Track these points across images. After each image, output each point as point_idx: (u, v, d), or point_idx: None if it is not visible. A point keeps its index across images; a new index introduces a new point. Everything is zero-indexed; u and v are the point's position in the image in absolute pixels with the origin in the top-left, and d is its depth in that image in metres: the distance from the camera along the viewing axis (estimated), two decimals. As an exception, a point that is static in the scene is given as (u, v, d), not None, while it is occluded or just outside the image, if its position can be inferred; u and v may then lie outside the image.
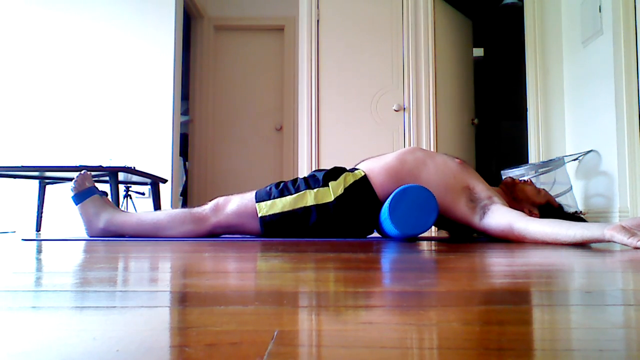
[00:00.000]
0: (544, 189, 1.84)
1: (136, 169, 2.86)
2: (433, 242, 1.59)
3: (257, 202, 1.72)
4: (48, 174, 2.92)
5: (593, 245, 1.31)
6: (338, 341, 0.35)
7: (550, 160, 3.40)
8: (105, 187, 2.98)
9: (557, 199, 3.16)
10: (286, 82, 4.93)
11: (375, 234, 2.00)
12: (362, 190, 1.71)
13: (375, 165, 1.76)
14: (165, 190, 3.94)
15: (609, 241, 1.20)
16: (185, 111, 5.25)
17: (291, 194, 1.71)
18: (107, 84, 4.11)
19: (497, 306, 0.48)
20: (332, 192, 1.69)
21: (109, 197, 2.68)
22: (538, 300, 0.52)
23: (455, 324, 0.40)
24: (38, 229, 3.16)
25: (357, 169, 1.77)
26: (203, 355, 0.31)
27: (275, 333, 0.36)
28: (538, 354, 0.32)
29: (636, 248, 1.12)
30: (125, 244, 1.42)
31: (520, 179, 2.04)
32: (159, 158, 4.04)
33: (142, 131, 4.07)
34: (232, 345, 0.33)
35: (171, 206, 3.99)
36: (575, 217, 1.75)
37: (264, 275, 0.72)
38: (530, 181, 1.85)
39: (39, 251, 1.20)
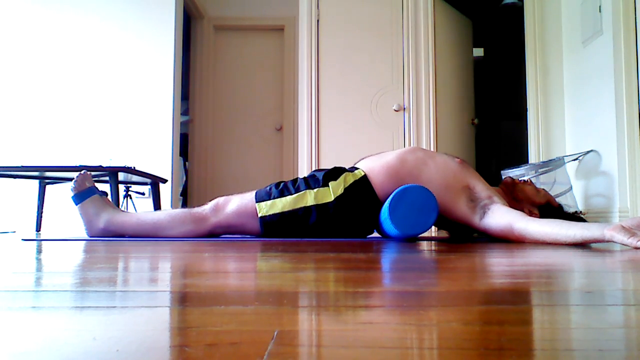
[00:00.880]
0: (543, 189, 1.84)
1: (136, 169, 2.86)
2: (433, 242, 1.59)
3: (257, 202, 1.72)
4: (48, 174, 2.92)
5: (593, 245, 1.31)
6: (338, 341, 0.35)
7: (550, 160, 3.40)
8: (105, 187, 2.98)
9: (557, 199, 3.16)
10: (286, 82, 4.93)
11: (375, 234, 2.00)
12: (362, 190, 1.71)
13: (375, 164, 1.76)
14: (165, 190, 3.93)
15: (609, 241, 1.20)
16: (185, 111, 5.25)
17: (291, 194, 1.71)
18: (107, 84, 4.11)
19: (497, 306, 0.48)
20: (332, 192, 1.69)
21: (109, 197, 2.68)
22: (538, 300, 0.52)
23: (455, 324, 0.40)
24: (38, 229, 3.16)
25: (357, 168, 1.77)
26: (203, 355, 0.31)
27: (275, 333, 0.36)
28: (538, 354, 0.32)
29: (636, 248, 1.12)
30: (125, 244, 1.42)
31: (520, 179, 2.04)
32: (159, 158, 4.04)
33: (142, 131, 4.07)
34: (232, 345, 0.33)
35: (171, 206, 3.99)
36: (575, 217, 1.75)
37: (264, 275, 0.72)
38: (530, 181, 1.85)
39: (39, 251, 1.20)
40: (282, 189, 1.73)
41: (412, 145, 3.84)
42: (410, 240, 1.65)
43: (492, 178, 1.89)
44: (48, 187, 3.23)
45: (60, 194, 3.55)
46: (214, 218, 1.73)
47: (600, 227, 1.22)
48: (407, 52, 3.90)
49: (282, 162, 4.91)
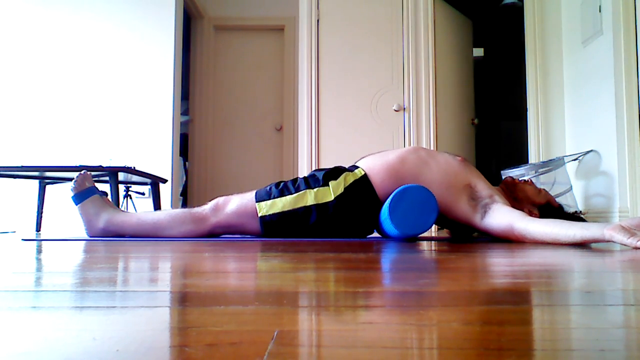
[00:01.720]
0: (544, 189, 1.84)
1: (136, 169, 2.86)
2: (433, 242, 1.58)
3: (257, 201, 1.72)
4: (48, 174, 2.92)
5: (593, 245, 1.31)
6: (338, 341, 0.35)
7: (550, 160, 3.40)
8: (105, 187, 2.98)
9: (557, 199, 3.16)
10: (286, 82, 4.93)
11: (375, 234, 2.00)
12: (362, 190, 1.71)
13: (375, 163, 1.75)
14: (165, 190, 3.93)
15: (608, 241, 1.20)
16: (185, 111, 5.25)
17: (291, 194, 1.71)
18: (107, 84, 4.11)
19: (497, 306, 0.48)
20: (332, 191, 1.69)
21: (110, 197, 2.68)
22: (538, 300, 0.52)
23: (455, 324, 0.40)
24: (38, 229, 3.16)
25: (357, 167, 1.77)
26: (203, 355, 0.31)
27: (275, 333, 0.36)
28: (538, 354, 0.32)
29: (636, 248, 1.12)
30: (125, 244, 1.42)
31: (520, 178, 2.04)
32: (159, 158, 4.04)
33: (142, 131, 4.07)
34: (232, 345, 0.33)
35: (171, 206, 3.99)
36: (575, 217, 1.75)
37: (264, 275, 0.72)
38: (531, 181, 1.85)
39: (39, 251, 1.20)
40: (282, 189, 1.73)
41: (412, 145, 3.84)
42: (410, 240, 1.65)
43: (492, 178, 1.89)
44: (48, 187, 3.23)
45: (60, 194, 3.55)
46: (214, 218, 1.73)
47: (600, 227, 1.22)
48: (407, 52, 3.90)
49: (282, 162, 4.91)
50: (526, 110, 3.87)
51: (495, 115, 6.23)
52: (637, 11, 2.95)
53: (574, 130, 3.57)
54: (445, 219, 1.74)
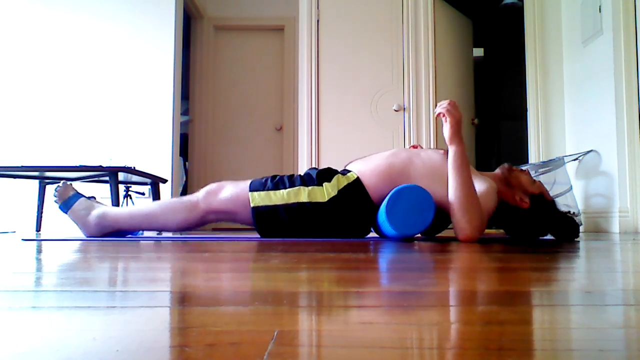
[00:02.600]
0: (539, 181, 1.85)
1: (136, 169, 2.86)
2: (432, 242, 1.59)
3: (250, 191, 1.72)
4: (48, 174, 2.92)
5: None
6: (338, 341, 0.35)
7: (550, 160, 3.40)
8: (105, 187, 2.98)
9: (557, 199, 3.16)
10: (286, 82, 4.93)
11: (373, 234, 2.00)
12: (356, 193, 1.71)
13: (365, 168, 1.77)
14: (165, 190, 3.93)
15: (449, 137, 1.69)
16: (185, 111, 5.24)
17: (286, 188, 1.71)
18: (107, 84, 4.11)
19: (497, 306, 0.48)
20: (325, 193, 1.70)
21: (110, 197, 2.68)
22: (538, 300, 0.52)
23: (455, 324, 0.40)
24: (38, 229, 3.16)
25: (349, 171, 1.78)
26: (203, 355, 0.31)
27: (275, 333, 0.36)
28: (538, 354, 0.32)
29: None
30: (125, 244, 1.42)
31: (520, 167, 2.07)
32: (159, 158, 4.04)
33: (142, 131, 4.07)
34: (232, 345, 0.33)
35: (171, 206, 3.98)
36: (568, 216, 1.77)
37: (264, 276, 0.72)
38: (527, 171, 1.86)
39: (39, 251, 1.20)
40: (277, 182, 1.74)
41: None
42: (409, 240, 1.65)
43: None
44: (48, 187, 3.23)
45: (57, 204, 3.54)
46: (206, 204, 1.72)
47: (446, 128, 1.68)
48: (407, 52, 3.90)
49: (282, 162, 4.91)
50: (526, 110, 3.87)
51: (495, 115, 6.23)
52: (637, 11, 2.94)
53: (574, 130, 3.57)
54: (438, 212, 1.74)
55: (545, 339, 0.36)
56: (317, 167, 3.77)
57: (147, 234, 2.11)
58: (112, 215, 1.76)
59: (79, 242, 1.58)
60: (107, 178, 2.74)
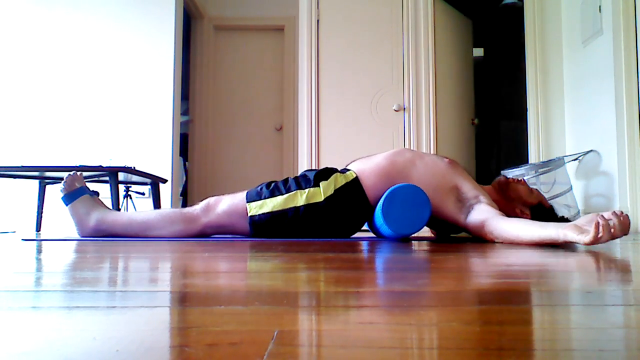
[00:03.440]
0: (537, 190, 1.85)
1: (136, 169, 2.86)
2: (432, 242, 1.59)
3: (247, 202, 1.72)
4: (48, 174, 2.92)
5: (583, 247, 1.31)
6: (338, 341, 0.35)
7: (550, 160, 3.40)
8: (105, 187, 2.98)
9: (557, 199, 3.16)
10: (286, 82, 4.93)
11: (372, 234, 2.00)
12: (353, 192, 1.71)
13: (365, 166, 1.76)
14: (165, 190, 3.93)
15: (564, 241, 1.19)
16: (185, 111, 5.24)
17: (282, 194, 1.71)
18: (107, 84, 4.11)
19: (497, 306, 0.48)
20: (322, 192, 1.70)
21: (110, 197, 2.68)
22: (538, 300, 0.52)
23: (455, 324, 0.40)
24: (38, 229, 3.16)
25: (348, 170, 1.78)
26: (203, 355, 0.31)
27: (275, 333, 0.36)
28: (538, 354, 0.32)
29: (586, 244, 1.12)
30: (125, 245, 1.42)
31: (516, 178, 2.04)
32: (159, 158, 4.04)
33: (142, 131, 4.07)
34: (232, 345, 0.33)
35: (171, 206, 3.99)
36: (564, 221, 1.75)
37: (264, 276, 0.72)
38: (524, 181, 1.85)
39: (39, 251, 1.20)
40: (273, 189, 1.73)
41: (412, 145, 3.84)
42: (407, 240, 1.65)
43: (492, 178, 1.88)
44: (48, 187, 3.23)
45: (60, 194, 3.54)
46: (205, 218, 1.73)
47: (556, 227, 1.22)
48: (407, 52, 3.90)
49: (282, 162, 4.91)
50: (526, 110, 3.87)
51: (495, 115, 6.23)
52: (637, 11, 2.94)
53: (574, 130, 3.57)
54: (433, 219, 1.74)
55: (545, 339, 0.36)
56: (316, 167, 3.77)
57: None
58: (110, 221, 1.76)
59: (79, 242, 1.58)
60: (107, 178, 2.74)
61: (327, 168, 1.80)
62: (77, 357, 0.31)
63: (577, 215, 3.22)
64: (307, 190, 1.71)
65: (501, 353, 0.31)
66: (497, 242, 1.44)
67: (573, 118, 3.58)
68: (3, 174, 2.86)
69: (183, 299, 0.52)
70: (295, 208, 1.69)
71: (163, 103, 4.07)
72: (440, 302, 0.49)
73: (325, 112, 3.87)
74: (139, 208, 3.89)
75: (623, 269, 0.79)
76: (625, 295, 0.54)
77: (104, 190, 2.99)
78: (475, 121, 4.46)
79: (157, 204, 3.19)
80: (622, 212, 1.17)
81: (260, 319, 0.41)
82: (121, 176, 2.90)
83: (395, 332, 0.37)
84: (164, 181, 3.23)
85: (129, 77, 4.11)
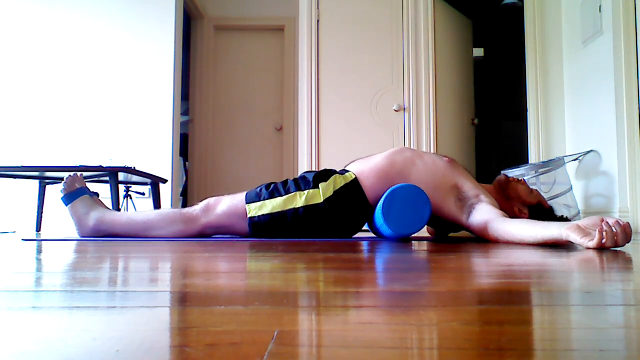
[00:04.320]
0: (536, 190, 1.85)
1: (136, 169, 2.86)
2: (432, 242, 1.59)
3: (247, 203, 1.72)
4: (48, 174, 2.92)
5: (580, 247, 1.31)
6: (338, 341, 0.35)
7: (550, 160, 3.40)
8: (105, 187, 2.98)
9: (557, 199, 3.16)
10: (286, 82, 4.93)
11: (371, 234, 2.00)
12: (352, 194, 1.71)
13: (364, 167, 1.76)
14: (165, 190, 3.93)
15: (566, 241, 1.19)
16: (185, 111, 5.24)
17: (281, 196, 1.71)
18: (107, 84, 4.11)
19: (497, 306, 0.48)
20: (321, 193, 1.70)
21: (110, 197, 2.68)
22: (538, 300, 0.52)
23: (455, 324, 0.40)
24: (38, 229, 3.16)
25: (347, 171, 1.78)
26: (203, 355, 0.31)
27: (275, 333, 0.36)
28: (538, 354, 0.32)
29: (588, 248, 1.12)
30: (125, 245, 1.42)
31: (515, 177, 2.05)
32: (159, 158, 4.04)
33: (142, 131, 4.07)
34: (232, 345, 0.33)
35: (171, 206, 3.99)
36: (563, 220, 1.75)
37: (264, 276, 0.72)
38: (524, 180, 1.85)
39: (39, 251, 1.20)
40: (272, 191, 1.74)
41: (412, 145, 3.84)
42: (407, 240, 1.65)
43: (492, 178, 1.88)
44: (48, 187, 3.23)
45: (60, 194, 3.54)
46: (204, 218, 1.73)
47: (559, 227, 1.22)
48: (407, 52, 3.90)
49: (282, 162, 4.91)
50: (526, 110, 3.87)
51: (495, 115, 6.23)
52: (637, 11, 2.94)
53: (574, 130, 3.57)
54: (433, 218, 1.74)
55: (545, 339, 0.36)
56: (316, 168, 3.77)
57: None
58: (109, 221, 1.77)
59: (79, 242, 1.58)
60: (107, 178, 2.74)
61: (326, 169, 1.80)
62: (77, 357, 0.31)
63: (577, 215, 3.22)
64: (306, 191, 1.71)
65: (501, 353, 0.31)
66: (497, 242, 1.44)
67: (573, 118, 3.58)
68: (3, 174, 2.86)
69: (183, 299, 0.52)
70: (295, 209, 1.69)
71: (163, 103, 4.07)
72: (440, 302, 0.49)
73: (325, 112, 3.87)
74: (139, 208, 3.89)
75: (623, 269, 0.79)
76: (625, 295, 0.54)
77: (104, 191, 3.00)
78: (475, 121, 4.46)
79: (157, 204, 3.19)
80: (626, 223, 1.17)
81: (260, 319, 0.41)
82: (121, 176, 2.90)
83: (395, 332, 0.37)
84: (164, 181, 3.23)
85: (129, 77, 4.11)
